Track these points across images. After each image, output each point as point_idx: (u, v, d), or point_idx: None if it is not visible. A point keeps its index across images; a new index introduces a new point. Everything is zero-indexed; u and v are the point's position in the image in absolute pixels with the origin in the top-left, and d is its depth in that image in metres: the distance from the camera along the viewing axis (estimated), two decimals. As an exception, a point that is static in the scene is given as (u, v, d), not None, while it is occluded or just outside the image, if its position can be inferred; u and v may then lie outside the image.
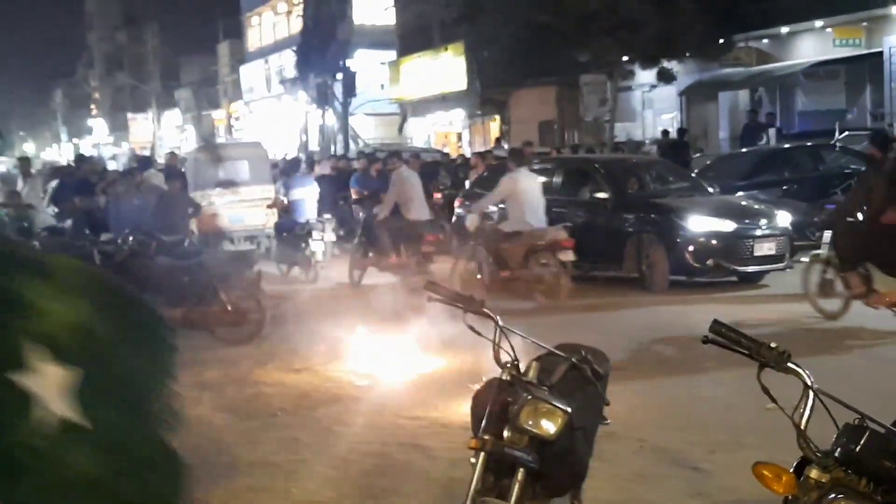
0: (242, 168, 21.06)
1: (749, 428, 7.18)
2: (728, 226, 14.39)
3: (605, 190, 15.59)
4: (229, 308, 11.50)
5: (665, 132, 28.92)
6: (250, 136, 58.96)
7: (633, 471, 6.71)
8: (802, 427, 3.01)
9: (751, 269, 14.50)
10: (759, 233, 14.52)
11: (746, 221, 14.65)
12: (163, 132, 79.74)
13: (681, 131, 27.92)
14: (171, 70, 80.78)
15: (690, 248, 14.17)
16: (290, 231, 17.37)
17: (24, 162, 21.47)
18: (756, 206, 15.48)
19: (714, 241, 14.24)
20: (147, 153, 53.52)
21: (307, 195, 18.71)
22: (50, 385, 2.59)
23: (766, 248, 14.47)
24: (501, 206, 14.78)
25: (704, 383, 8.96)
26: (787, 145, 21.94)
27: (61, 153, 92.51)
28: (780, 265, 14.55)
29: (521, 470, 4.04)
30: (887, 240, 7.40)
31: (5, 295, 2.64)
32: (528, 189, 14.20)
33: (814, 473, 3.00)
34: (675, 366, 9.78)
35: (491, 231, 14.27)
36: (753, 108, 27.24)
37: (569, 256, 13.51)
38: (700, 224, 14.39)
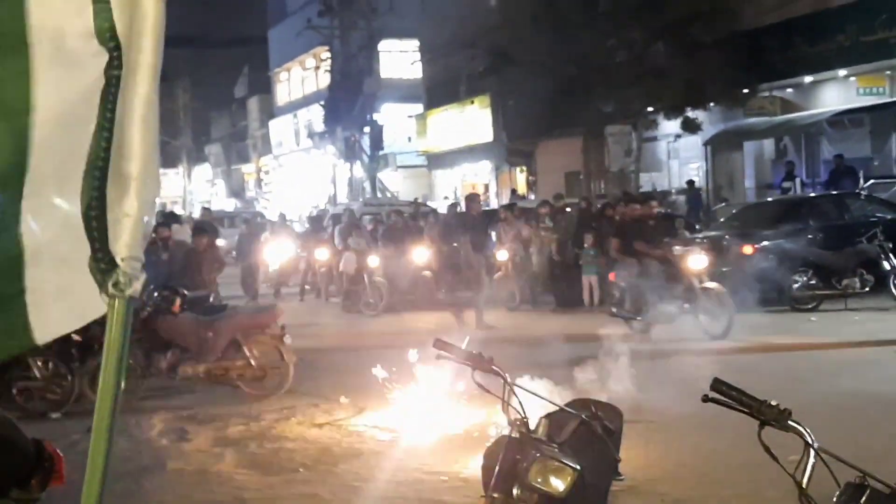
0: None
1: (769, 482, 7.12)
2: None
3: None
4: (252, 363, 11.56)
5: (690, 182, 28.97)
6: (280, 190, 59.52)
7: (652, 526, 6.68)
8: (804, 485, 3.01)
9: None
10: None
11: None
12: (193, 186, 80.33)
13: (689, 183, 28.71)
14: (202, 125, 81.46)
15: None
16: None
17: None
18: None
19: None
20: (178, 208, 53.94)
21: None
22: None
23: None
24: None
25: (724, 437, 8.88)
26: (812, 194, 21.85)
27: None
28: None
29: (532, 528, 4.05)
30: None
31: None
32: None
33: (816, 532, 3.00)
34: (698, 420, 9.66)
35: None
36: (839, 153, 25.78)
37: None
38: None
